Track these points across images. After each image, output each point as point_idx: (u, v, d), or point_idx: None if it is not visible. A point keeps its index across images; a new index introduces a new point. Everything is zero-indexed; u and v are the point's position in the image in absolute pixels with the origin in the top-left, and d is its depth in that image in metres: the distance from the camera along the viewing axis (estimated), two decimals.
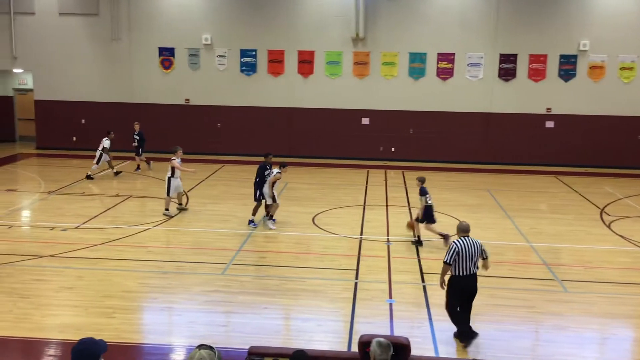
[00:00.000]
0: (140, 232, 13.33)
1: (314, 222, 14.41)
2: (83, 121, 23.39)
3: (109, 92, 23.29)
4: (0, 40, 23.18)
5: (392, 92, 22.56)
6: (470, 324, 8.38)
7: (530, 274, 11.27)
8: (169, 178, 14.70)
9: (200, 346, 4.26)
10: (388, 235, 13.59)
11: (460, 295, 8.30)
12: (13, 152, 22.96)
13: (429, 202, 12.66)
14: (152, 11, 22.71)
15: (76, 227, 13.50)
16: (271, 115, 23.01)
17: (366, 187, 18.57)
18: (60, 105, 23.40)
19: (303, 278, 10.82)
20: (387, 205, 16.30)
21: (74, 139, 23.55)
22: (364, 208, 15.97)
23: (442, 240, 12.61)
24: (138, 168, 20.19)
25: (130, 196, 16.50)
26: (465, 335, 8.30)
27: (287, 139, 23.08)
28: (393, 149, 22.97)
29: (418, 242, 12.81)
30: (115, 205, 15.56)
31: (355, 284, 10.64)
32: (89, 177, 18.39)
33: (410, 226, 13.37)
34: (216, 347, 4.32)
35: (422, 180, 12.95)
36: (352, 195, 17.39)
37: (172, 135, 23.01)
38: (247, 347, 6.94)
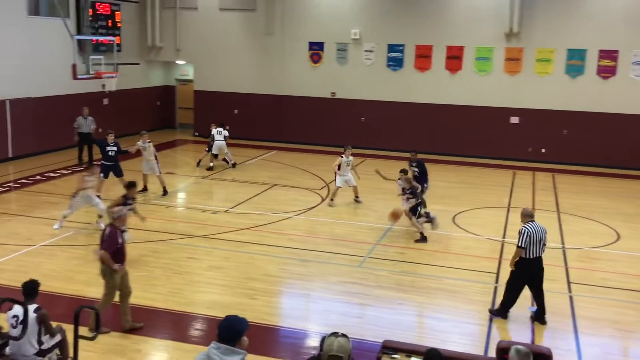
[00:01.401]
0: (283, 219, 13.81)
1: (454, 222, 14.11)
2: (236, 111, 24.64)
3: (260, 84, 24.33)
4: (166, 34, 25.06)
5: (545, 90, 21.42)
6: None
7: None
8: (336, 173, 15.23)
9: (335, 334, 4.29)
10: None
11: (527, 277, 8.78)
12: (173, 138, 24.75)
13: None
14: (304, 7, 23.37)
15: (225, 211, 14.28)
16: (415, 111, 22.80)
17: (511, 189, 17.84)
18: (216, 96, 24.83)
19: (440, 277, 10.64)
20: (533, 209, 15.50)
21: (227, 127, 24.87)
22: (508, 210, 15.35)
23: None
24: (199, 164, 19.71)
25: (275, 185, 17.14)
26: (498, 313, 8.95)
27: (431, 135, 22.75)
28: (543, 150, 21.82)
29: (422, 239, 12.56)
30: (261, 192, 16.24)
31: (495, 287, 10.27)
32: (234, 165, 19.28)
33: (395, 216, 12.84)
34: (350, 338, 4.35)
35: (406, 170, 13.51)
36: (495, 196, 16.79)
37: (317, 127, 23.62)
38: (381, 340, 6.96)
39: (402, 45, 22.58)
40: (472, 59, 21.97)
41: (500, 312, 9.02)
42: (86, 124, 18.71)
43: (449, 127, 22.55)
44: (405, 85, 22.77)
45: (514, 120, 21.94)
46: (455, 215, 14.61)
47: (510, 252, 11.96)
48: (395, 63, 22.77)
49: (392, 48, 22.71)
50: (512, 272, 8.92)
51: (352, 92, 23.36)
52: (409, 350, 6.41)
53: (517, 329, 8.81)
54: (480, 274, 10.89)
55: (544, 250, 8.83)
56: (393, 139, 22.92)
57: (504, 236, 13.14)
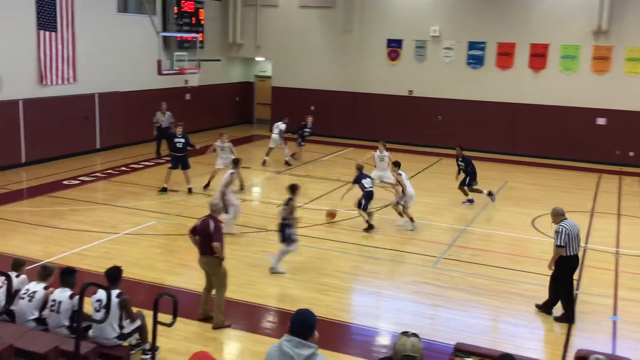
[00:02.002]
0: (357, 217, 13.79)
1: (533, 225, 13.67)
2: (312, 108, 24.82)
3: (337, 81, 24.40)
4: (246, 31, 25.56)
5: (635, 90, 20.38)
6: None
7: None
8: None
9: (405, 333, 4.24)
10: (618, 247, 12.39)
11: (568, 273, 8.81)
12: (250, 133, 25.22)
13: (369, 187, 12.91)
14: (383, 4, 23.23)
15: (299, 206, 14.40)
16: (495, 110, 22.24)
17: (596, 193, 17.10)
18: (293, 92, 25.10)
19: (517, 281, 10.35)
20: (619, 215, 14.86)
21: (303, 123, 25.12)
22: (591, 215, 14.73)
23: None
24: (290, 157, 19.68)
25: (349, 182, 17.13)
26: (568, 316, 8.83)
27: (511, 135, 22.14)
28: (631, 154, 20.79)
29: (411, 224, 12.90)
30: (336, 189, 16.30)
31: (575, 295, 9.88)
32: (287, 163, 19.25)
33: (331, 215, 13.27)
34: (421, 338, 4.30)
35: (397, 165, 13.40)
36: (578, 200, 16.14)
37: (392, 125, 23.45)
38: (453, 342, 6.87)
39: (483, 43, 22.07)
40: (557, 57, 21.20)
41: (547, 309, 9.07)
42: (165, 118, 19.25)
43: (530, 128, 21.87)
44: (485, 83, 22.25)
45: (601, 121, 21.02)
46: (535, 218, 14.16)
47: (593, 259, 11.55)
48: (476, 61, 22.29)
49: (472, 45, 22.24)
50: (555, 271, 8.94)
51: (429, 90, 23.04)
52: (482, 354, 6.28)
53: (598, 337, 8.46)
54: None
55: (580, 247, 8.92)
56: (471, 139, 22.38)
57: (586, 242, 12.62)
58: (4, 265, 8.09)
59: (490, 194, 15.16)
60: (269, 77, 26.49)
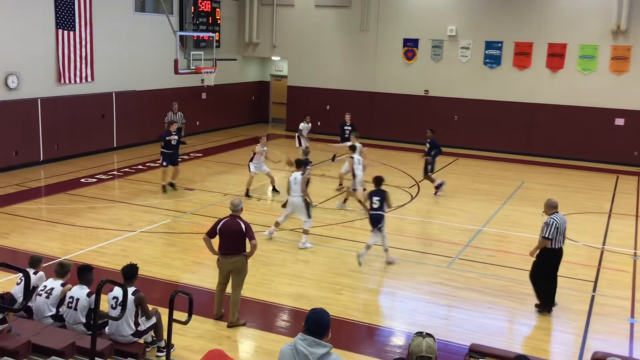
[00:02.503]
0: None
1: None
2: (328, 107, 24.84)
3: (352, 80, 24.38)
4: (263, 30, 25.62)
5: None
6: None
7: None
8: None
9: (420, 333, 4.23)
10: (636, 248, 12.26)
11: (551, 267, 8.97)
12: (266, 132, 25.27)
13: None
14: (400, 3, 23.17)
15: (314, 206, 14.40)
16: (511, 110, 22.09)
17: (614, 194, 16.93)
18: (309, 92, 25.12)
19: None
20: (637, 216, 14.70)
21: (319, 123, 25.13)
22: (609, 216, 14.59)
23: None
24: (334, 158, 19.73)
25: (364, 182, 17.10)
26: (547, 305, 9.04)
27: (528, 135, 21.98)
28: None
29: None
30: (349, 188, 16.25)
31: (592, 296, 9.81)
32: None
33: (290, 164, 13.17)
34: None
35: (353, 149, 14.41)
36: (596, 202, 16.00)
37: (408, 125, 23.38)
38: (467, 343, 6.84)
39: (500, 42, 21.94)
40: (575, 57, 21.02)
41: (542, 307, 9.11)
42: (176, 118, 19.20)
43: (547, 128, 21.70)
44: (502, 83, 22.11)
45: (619, 122, 20.79)
46: None
47: (610, 260, 11.45)
48: (493, 60, 22.16)
49: (489, 45, 22.12)
50: (535, 263, 9.10)
51: (445, 90, 22.95)
52: (497, 356, 6.25)
53: (615, 340, 8.37)
54: (576, 281, 10.42)
55: (564, 241, 9.03)
56: (487, 139, 22.33)
57: (603, 243, 12.51)
58: (22, 262, 8.18)
59: (439, 186, 15.75)
60: (284, 77, 26.53)
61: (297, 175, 11.63)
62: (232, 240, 8.22)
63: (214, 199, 14.81)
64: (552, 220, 8.83)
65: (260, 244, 11.64)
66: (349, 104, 24.17)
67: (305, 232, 11.63)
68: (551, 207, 9.04)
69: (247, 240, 8.23)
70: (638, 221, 14.26)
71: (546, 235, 8.79)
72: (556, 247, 8.88)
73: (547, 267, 9.01)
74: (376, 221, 10.71)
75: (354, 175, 14.02)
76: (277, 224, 12.09)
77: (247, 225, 8.29)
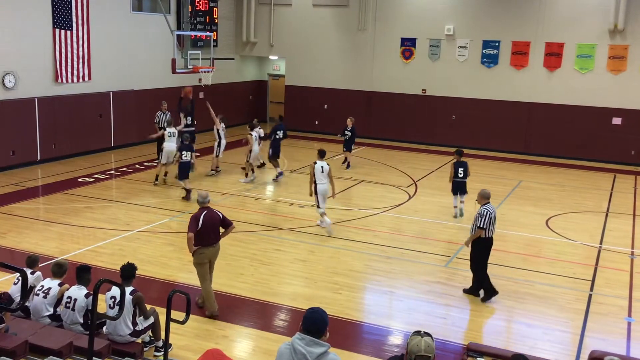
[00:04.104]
0: (369, 216, 13.79)
1: (547, 225, 13.58)
2: (325, 106, 24.82)
3: (350, 79, 24.37)
4: (260, 30, 25.60)
5: None
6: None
7: None
8: None
9: (418, 332, 4.21)
10: (633, 247, 12.28)
11: (486, 254, 9.41)
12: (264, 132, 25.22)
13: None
14: (397, 2, 23.16)
15: (312, 205, 14.40)
16: (509, 109, 22.11)
17: (611, 193, 16.96)
18: (306, 91, 25.11)
19: (531, 282, 10.29)
20: (634, 215, 14.72)
21: (316, 122, 25.14)
22: (606, 215, 14.61)
23: None
24: (345, 163, 19.06)
25: (362, 181, 17.14)
26: (491, 291, 9.41)
27: (525, 135, 22.01)
28: None
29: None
30: (348, 188, 16.29)
31: (590, 295, 9.82)
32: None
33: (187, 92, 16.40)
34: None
35: (251, 127, 16.29)
36: (593, 201, 16.02)
37: (406, 124, 23.40)
38: (465, 342, 6.84)
39: (498, 42, 21.95)
40: (572, 56, 21.04)
41: (488, 291, 9.45)
42: (165, 118, 19.01)
43: (545, 127, 21.72)
44: (499, 82, 22.13)
45: (616, 121, 20.83)
46: (549, 218, 14.07)
47: (608, 259, 11.47)
48: (490, 60, 22.17)
49: (487, 44, 22.13)
50: (475, 253, 9.52)
51: (443, 90, 22.96)
52: (494, 355, 6.25)
53: (612, 338, 8.38)
54: (573, 280, 10.44)
55: (494, 231, 9.45)
56: (485, 138, 22.34)
57: (600, 242, 12.53)
58: (19, 261, 8.16)
59: (278, 175, 16.62)
60: (282, 76, 26.52)
61: (324, 164, 12.35)
62: (215, 229, 8.52)
63: (212, 198, 14.77)
64: (485, 210, 9.27)
65: (259, 243, 11.70)
66: (347, 104, 24.20)
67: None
68: (484, 198, 9.49)
69: (226, 226, 8.57)
70: (635, 220, 14.28)
71: (481, 225, 9.22)
72: (488, 236, 9.33)
73: (483, 255, 9.44)
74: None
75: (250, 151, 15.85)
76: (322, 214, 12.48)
77: (222, 213, 8.63)
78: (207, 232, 8.41)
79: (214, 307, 8.56)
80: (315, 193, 12.37)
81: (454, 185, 13.91)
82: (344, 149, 18.82)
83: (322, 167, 12.27)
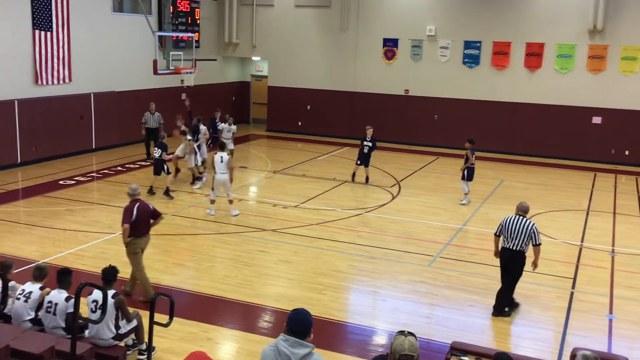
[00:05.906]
0: (353, 216, 13.82)
1: None
2: (308, 107, 24.82)
3: (333, 80, 24.39)
4: (242, 31, 25.53)
5: (630, 89, 20.45)
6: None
7: None
8: None
9: (403, 332, 4.22)
10: (613, 245, 12.42)
11: (501, 264, 9.04)
12: (246, 133, 25.18)
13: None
14: (379, 3, 23.23)
15: (295, 206, 14.42)
16: (491, 109, 22.28)
17: (592, 192, 17.15)
18: (289, 92, 25.09)
19: None
20: (614, 213, 14.90)
21: (299, 123, 25.13)
22: (587, 214, 14.78)
23: None
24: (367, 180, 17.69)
25: (346, 181, 17.16)
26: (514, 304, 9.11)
27: (507, 135, 22.18)
28: (627, 152, 20.86)
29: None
30: (332, 188, 16.30)
31: (571, 293, 9.92)
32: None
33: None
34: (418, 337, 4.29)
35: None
36: (574, 199, 16.19)
37: (389, 125, 23.46)
38: (449, 341, 6.87)
39: (479, 42, 22.11)
40: (552, 56, 21.25)
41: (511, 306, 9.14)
42: (153, 119, 18.84)
43: (526, 127, 21.92)
44: (481, 83, 22.29)
45: (596, 120, 21.08)
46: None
47: (589, 257, 11.61)
48: (472, 60, 22.32)
49: (468, 45, 22.28)
50: (520, 269, 9.10)
51: (425, 90, 23.07)
52: (478, 353, 6.28)
53: (594, 336, 8.47)
54: (556, 278, 10.53)
55: (522, 247, 8.95)
56: (467, 138, 22.39)
57: (582, 241, 12.66)
58: None
59: (198, 179, 16.21)
60: (265, 77, 26.47)
61: (224, 154, 13.25)
62: (146, 220, 8.98)
63: (195, 200, 14.73)
64: (534, 225, 8.96)
65: (243, 244, 11.66)
66: (330, 104, 24.24)
67: (230, 201, 13.49)
68: (526, 212, 9.06)
69: (155, 216, 9.09)
70: (615, 218, 14.45)
71: (540, 242, 8.96)
72: (503, 245, 9.07)
73: (500, 264, 9.20)
74: None
75: (195, 153, 15.85)
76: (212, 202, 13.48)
77: (151, 204, 9.13)
78: (140, 222, 8.86)
79: (151, 292, 8.75)
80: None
81: (469, 172, 14.87)
82: (359, 163, 16.66)
83: (221, 157, 13.21)
